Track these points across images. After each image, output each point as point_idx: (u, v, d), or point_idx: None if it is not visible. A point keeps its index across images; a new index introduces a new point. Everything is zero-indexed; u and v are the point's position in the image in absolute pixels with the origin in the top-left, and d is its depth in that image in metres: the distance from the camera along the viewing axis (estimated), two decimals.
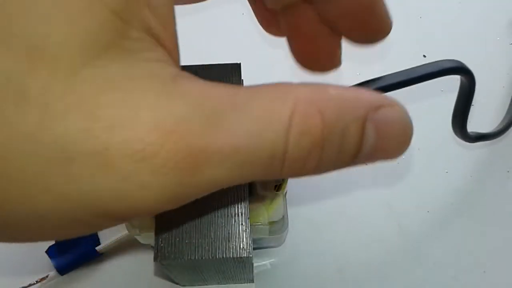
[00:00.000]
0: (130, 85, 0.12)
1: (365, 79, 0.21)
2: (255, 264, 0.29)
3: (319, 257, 0.29)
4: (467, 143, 0.29)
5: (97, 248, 0.28)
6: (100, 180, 0.11)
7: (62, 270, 0.28)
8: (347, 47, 0.40)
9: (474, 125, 0.29)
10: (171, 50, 0.14)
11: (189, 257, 0.21)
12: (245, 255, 0.21)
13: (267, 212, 0.23)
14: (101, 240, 0.29)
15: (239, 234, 0.22)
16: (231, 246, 0.22)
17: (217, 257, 0.21)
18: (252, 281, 0.28)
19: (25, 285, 0.27)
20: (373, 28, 0.19)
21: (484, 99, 0.34)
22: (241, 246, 0.22)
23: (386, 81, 0.21)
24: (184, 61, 0.26)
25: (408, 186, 0.31)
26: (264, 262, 0.29)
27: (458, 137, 0.28)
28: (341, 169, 0.15)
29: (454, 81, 0.25)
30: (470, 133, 0.28)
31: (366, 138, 0.14)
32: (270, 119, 0.13)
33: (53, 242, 0.28)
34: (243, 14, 0.37)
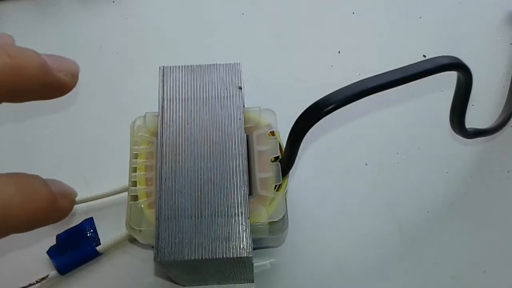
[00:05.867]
0: None
1: (365, 78, 0.21)
2: (255, 264, 0.29)
3: (319, 257, 0.29)
4: (466, 140, 0.29)
5: (97, 248, 0.28)
6: None
7: (62, 270, 0.28)
8: (346, 46, 0.40)
9: (475, 125, 0.29)
10: None
11: (189, 257, 0.21)
12: (245, 255, 0.21)
13: (267, 212, 0.23)
14: (101, 240, 0.29)
15: (239, 234, 0.22)
16: (231, 246, 0.22)
17: (217, 257, 0.21)
18: (252, 281, 0.28)
19: (25, 285, 0.27)
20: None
21: (485, 99, 0.34)
22: (241, 246, 0.22)
23: (385, 79, 0.21)
24: (184, 61, 0.27)
25: (408, 186, 0.31)
26: (264, 262, 0.29)
27: (456, 133, 0.28)
28: None
29: (454, 81, 0.25)
30: (468, 129, 0.28)
31: None
32: None
33: (54, 242, 0.28)
34: (243, 14, 0.37)
